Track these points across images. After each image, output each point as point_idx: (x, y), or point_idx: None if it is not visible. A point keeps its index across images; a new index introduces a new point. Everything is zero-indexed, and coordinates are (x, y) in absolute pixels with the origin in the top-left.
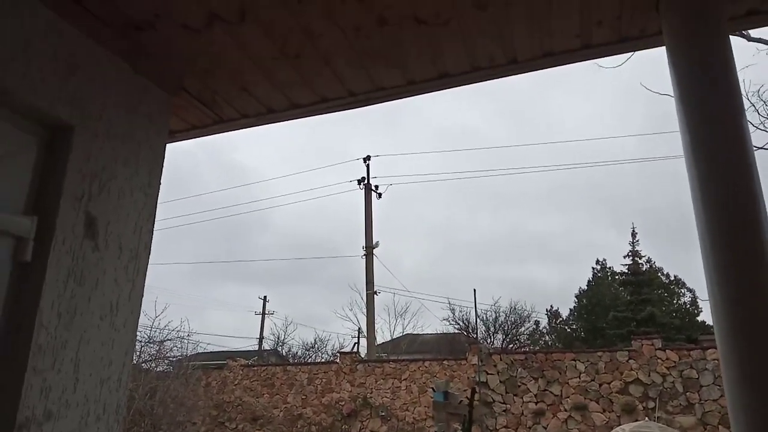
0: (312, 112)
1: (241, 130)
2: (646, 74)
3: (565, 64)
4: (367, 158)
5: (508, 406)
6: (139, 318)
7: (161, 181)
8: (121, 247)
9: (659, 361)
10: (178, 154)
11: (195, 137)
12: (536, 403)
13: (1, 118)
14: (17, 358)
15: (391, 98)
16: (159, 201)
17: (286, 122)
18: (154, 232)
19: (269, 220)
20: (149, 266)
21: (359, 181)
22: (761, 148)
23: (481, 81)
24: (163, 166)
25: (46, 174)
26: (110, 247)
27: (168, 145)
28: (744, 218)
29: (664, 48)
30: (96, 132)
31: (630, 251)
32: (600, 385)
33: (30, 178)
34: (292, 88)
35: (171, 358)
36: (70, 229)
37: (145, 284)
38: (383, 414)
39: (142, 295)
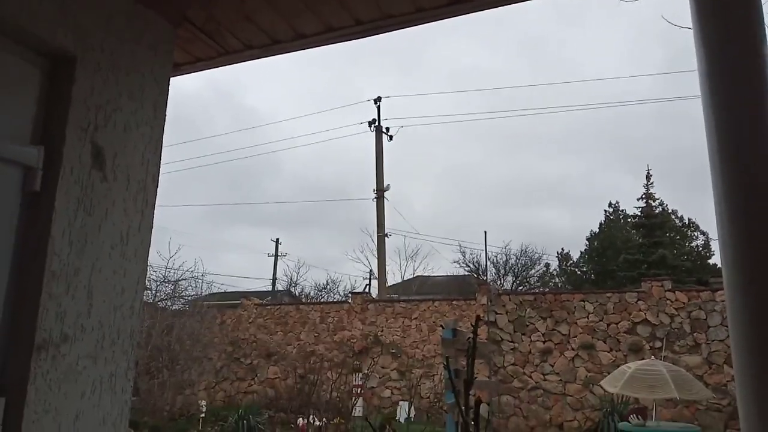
0: (318, 43)
1: (249, 66)
2: (667, 11)
3: None
4: (377, 99)
5: (516, 344)
6: (149, 249)
7: (167, 115)
8: (129, 179)
9: (668, 302)
10: (189, 98)
11: (200, 70)
12: (544, 342)
13: (2, 48)
14: (33, 284)
15: (399, 27)
16: (171, 143)
17: (297, 65)
18: (161, 165)
19: (281, 163)
20: (162, 206)
21: (370, 123)
22: None
23: (495, 7)
24: (167, 99)
25: (50, 104)
26: (118, 178)
27: (177, 90)
28: (758, 153)
29: None
30: (99, 63)
31: (644, 194)
32: (608, 325)
33: (35, 109)
34: (297, 16)
35: (186, 297)
36: (77, 160)
37: (157, 222)
38: (393, 351)
39: (152, 227)
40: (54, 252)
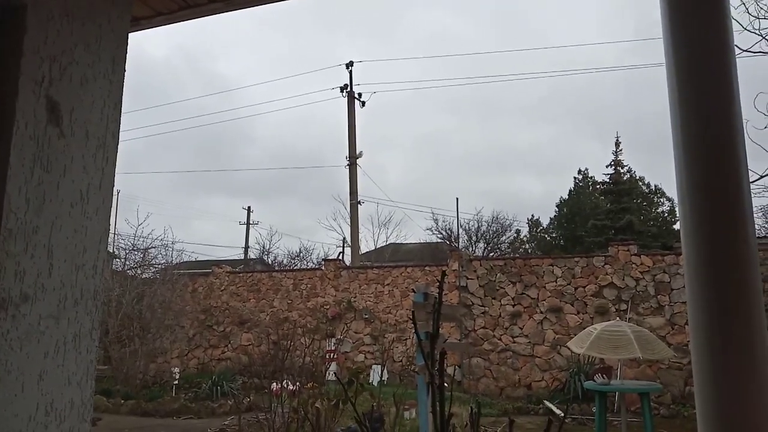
0: None
1: (219, 31)
2: None
3: None
4: (349, 64)
5: (487, 308)
6: (111, 207)
7: (125, 69)
8: (88, 135)
9: (634, 266)
10: (158, 64)
11: (160, 25)
12: (513, 306)
13: None
14: None
15: None
16: (141, 109)
17: (268, 30)
18: (121, 122)
19: (253, 130)
20: (132, 173)
21: (342, 89)
22: (747, 50)
23: None
24: (126, 52)
25: (0, 56)
26: (76, 134)
27: (146, 57)
28: (718, 120)
29: None
30: (51, 11)
31: (612, 161)
32: (575, 288)
33: None
34: None
35: (156, 265)
36: (32, 114)
37: (126, 189)
38: (366, 317)
39: (113, 185)
40: (10, 209)
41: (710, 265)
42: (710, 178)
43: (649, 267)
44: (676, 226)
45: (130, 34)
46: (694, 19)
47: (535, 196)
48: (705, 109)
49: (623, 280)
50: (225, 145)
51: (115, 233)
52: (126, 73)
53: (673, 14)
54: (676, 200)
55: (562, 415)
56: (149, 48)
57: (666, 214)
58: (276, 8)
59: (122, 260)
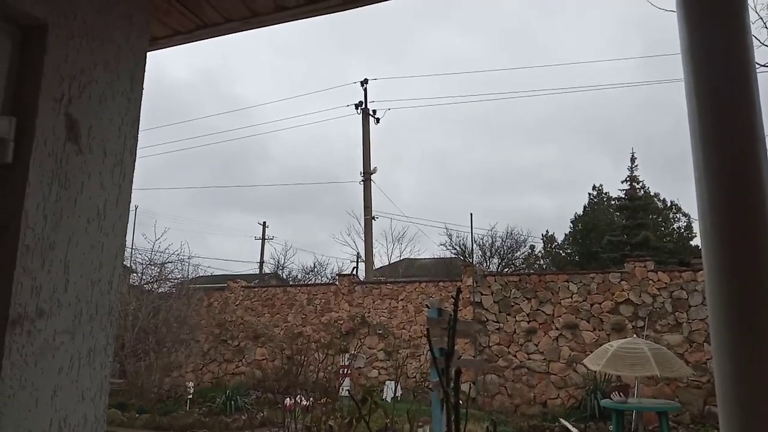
0: (300, 15)
1: (235, 51)
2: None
3: None
4: (364, 82)
5: (502, 324)
6: (127, 223)
7: (143, 88)
8: (106, 152)
9: (651, 282)
10: (180, 87)
11: (178, 44)
12: (528, 322)
13: None
14: (6, 258)
15: None
16: (158, 126)
17: (289, 52)
18: (138, 139)
19: (268, 148)
20: (149, 189)
21: (357, 106)
22: (765, 65)
23: None
24: (145, 71)
25: (21, 74)
26: (94, 151)
27: (165, 77)
28: (739, 136)
29: None
30: (72, 32)
31: (628, 176)
32: (591, 305)
33: (5, 79)
34: None
35: (173, 280)
36: (51, 131)
37: (143, 205)
38: (380, 332)
39: (130, 201)
40: (28, 225)
41: (732, 283)
42: (732, 194)
43: (666, 283)
44: (693, 242)
45: (149, 54)
46: (714, 36)
47: (549, 213)
48: (726, 125)
49: (640, 296)
50: (242, 162)
51: (132, 248)
52: (144, 92)
53: (692, 31)
54: (692, 216)
55: None
56: (170, 68)
57: (682, 230)
58: (292, 31)
59: (139, 275)
